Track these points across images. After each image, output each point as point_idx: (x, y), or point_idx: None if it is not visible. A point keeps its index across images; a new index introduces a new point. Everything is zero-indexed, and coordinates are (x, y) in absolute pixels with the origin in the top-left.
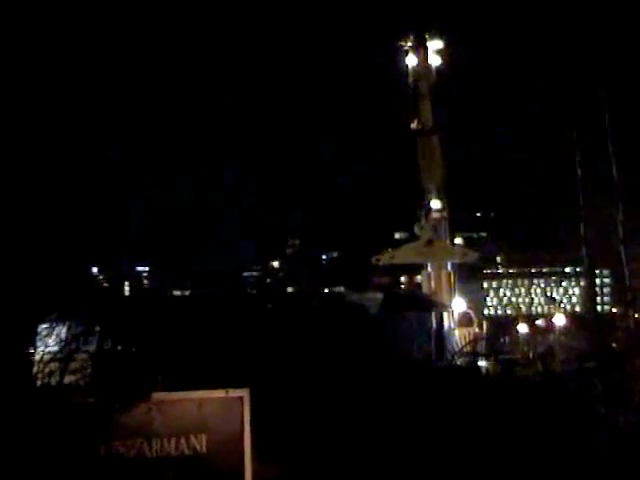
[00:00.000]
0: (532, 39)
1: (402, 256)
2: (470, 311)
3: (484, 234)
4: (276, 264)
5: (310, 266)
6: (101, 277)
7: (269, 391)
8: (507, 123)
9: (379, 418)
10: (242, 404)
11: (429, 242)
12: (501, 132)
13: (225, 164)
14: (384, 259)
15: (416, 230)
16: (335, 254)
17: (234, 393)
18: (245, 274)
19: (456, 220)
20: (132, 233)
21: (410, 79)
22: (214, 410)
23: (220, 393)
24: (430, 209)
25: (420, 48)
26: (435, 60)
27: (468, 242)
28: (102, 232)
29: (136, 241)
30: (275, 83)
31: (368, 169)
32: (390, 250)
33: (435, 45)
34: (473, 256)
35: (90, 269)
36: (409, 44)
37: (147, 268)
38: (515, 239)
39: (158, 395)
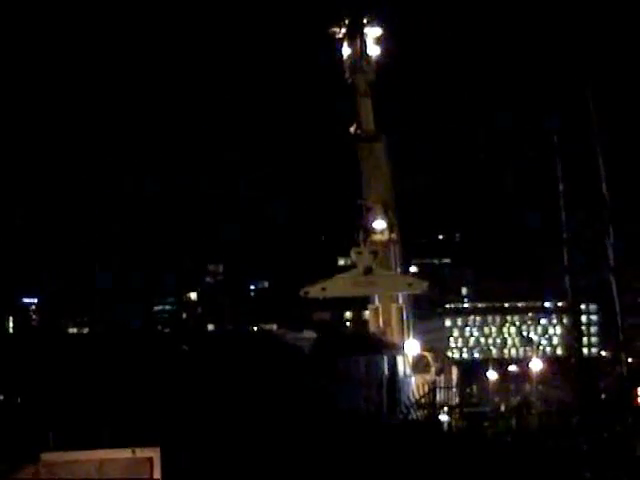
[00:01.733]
0: (495, 23)
1: (335, 288)
2: (427, 354)
3: (447, 260)
4: (194, 296)
5: (235, 298)
6: None
7: (184, 451)
8: (473, 126)
9: None
10: (152, 466)
11: (368, 270)
12: (466, 138)
13: (135, 176)
14: (314, 291)
15: (352, 256)
16: (266, 284)
17: (142, 453)
18: (156, 308)
19: (412, 244)
20: (18, 257)
21: (345, 74)
22: (118, 473)
23: (125, 453)
24: (370, 231)
25: (356, 36)
26: (374, 50)
27: (427, 270)
28: None
29: (23, 267)
30: (203, 92)
31: (305, 181)
32: (322, 281)
33: (374, 32)
34: (420, 286)
35: None
36: (343, 31)
37: (36, 300)
38: (485, 267)
39: (49, 455)
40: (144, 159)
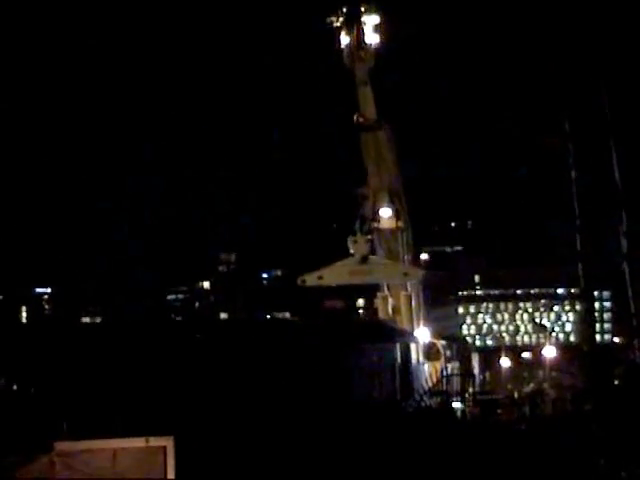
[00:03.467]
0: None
1: (332, 276)
2: (437, 342)
3: (459, 248)
4: (207, 285)
5: (248, 287)
6: None
7: (197, 440)
8: (485, 113)
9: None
10: (165, 454)
11: (364, 259)
12: (478, 125)
13: (145, 166)
14: (310, 280)
15: (349, 245)
16: (279, 272)
17: (156, 442)
18: (169, 297)
19: (423, 232)
20: (31, 248)
21: (345, 63)
22: (132, 462)
23: (139, 442)
24: (367, 219)
25: (353, 25)
26: (373, 38)
27: (439, 258)
28: None
29: (35, 257)
30: (204, 86)
31: (318, 169)
32: (319, 269)
33: (372, 20)
34: (416, 274)
35: None
36: (341, 20)
37: (49, 290)
38: (497, 254)
39: (63, 445)
40: (158, 150)
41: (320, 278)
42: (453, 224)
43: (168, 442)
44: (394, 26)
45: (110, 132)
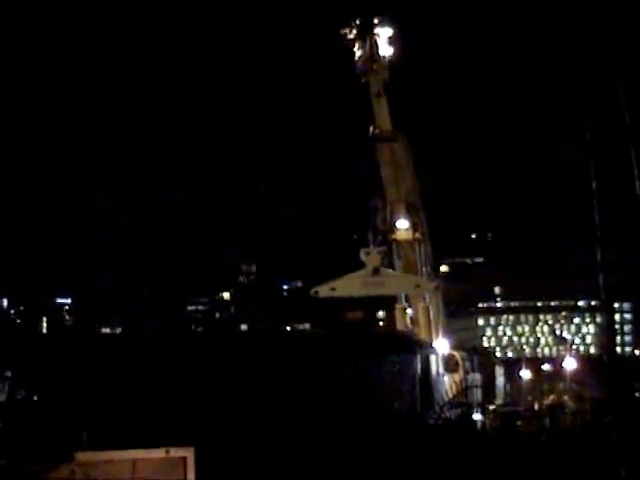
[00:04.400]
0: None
1: (345, 288)
2: (456, 354)
3: (480, 260)
4: (227, 296)
5: (268, 298)
6: (13, 311)
7: (217, 450)
8: (505, 123)
9: None
10: (185, 465)
11: (376, 271)
12: (498, 135)
13: (164, 180)
14: (323, 291)
15: (362, 256)
16: (299, 283)
17: (176, 452)
18: (190, 307)
19: (444, 243)
20: (52, 258)
21: (360, 75)
22: (151, 473)
23: (159, 452)
24: (379, 230)
25: (366, 37)
26: (387, 50)
27: (459, 269)
28: (14, 257)
29: (56, 268)
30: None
31: (338, 180)
32: (332, 281)
33: (385, 32)
34: (428, 287)
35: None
36: (354, 32)
37: (69, 300)
38: (517, 266)
39: (83, 455)
40: (180, 162)
41: (333, 289)
42: (473, 236)
43: (188, 453)
44: (409, 38)
45: (134, 144)
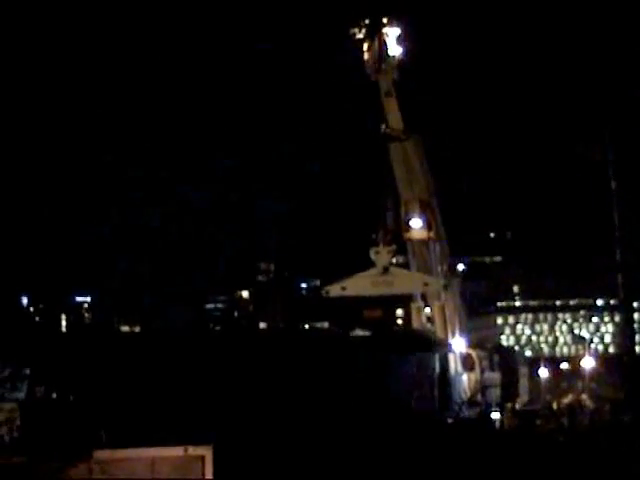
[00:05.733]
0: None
1: (355, 287)
2: (472, 352)
3: (498, 258)
4: (245, 294)
5: (287, 297)
6: (33, 309)
7: (235, 450)
8: (525, 121)
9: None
10: (204, 464)
11: (385, 270)
12: (517, 133)
13: (185, 178)
14: (334, 291)
15: (371, 255)
16: (317, 282)
17: (194, 451)
18: (208, 306)
19: (462, 242)
20: (72, 256)
21: (369, 74)
22: (170, 471)
23: (177, 451)
24: (389, 229)
25: (374, 37)
26: (396, 50)
27: (478, 268)
28: (34, 255)
29: (76, 266)
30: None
31: (355, 179)
32: (342, 280)
33: (394, 32)
34: (437, 285)
35: (19, 299)
36: (363, 31)
37: (89, 299)
38: (536, 265)
39: (101, 453)
40: (198, 161)
41: (343, 289)
42: (492, 234)
43: (207, 451)
44: (419, 36)
45: (156, 143)
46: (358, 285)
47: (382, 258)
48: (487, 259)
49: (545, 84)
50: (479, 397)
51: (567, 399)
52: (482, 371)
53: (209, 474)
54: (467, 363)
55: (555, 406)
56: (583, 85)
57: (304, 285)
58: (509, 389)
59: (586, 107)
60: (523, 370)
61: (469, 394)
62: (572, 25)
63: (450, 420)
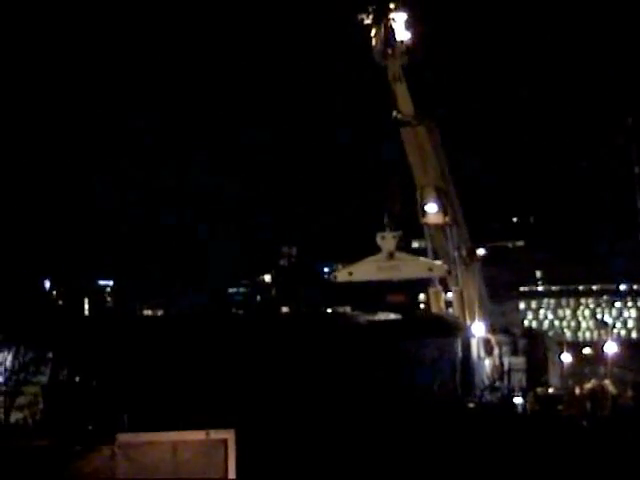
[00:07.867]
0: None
1: (361, 272)
2: (491, 337)
3: (521, 243)
4: (268, 278)
5: (309, 281)
6: (55, 292)
7: (258, 433)
8: (549, 109)
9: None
10: (226, 448)
11: (391, 255)
12: (539, 120)
13: (203, 159)
14: (341, 276)
15: (378, 241)
16: (339, 266)
17: (216, 435)
18: (230, 290)
19: (483, 227)
20: (94, 240)
21: (377, 60)
22: (192, 455)
23: (199, 435)
24: (395, 214)
25: (383, 22)
26: (404, 35)
27: (500, 253)
28: (57, 239)
29: (98, 249)
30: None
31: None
32: (349, 265)
33: (401, 17)
34: (441, 270)
35: (42, 283)
36: (370, 17)
37: (111, 282)
38: (558, 249)
39: (124, 437)
40: (220, 147)
41: (350, 274)
42: (515, 219)
43: (229, 435)
44: (434, 22)
45: (176, 130)
46: (364, 270)
47: (388, 243)
48: (510, 244)
49: (568, 68)
50: (498, 382)
51: (590, 384)
52: (500, 356)
53: (232, 458)
54: (487, 348)
55: (577, 391)
56: (607, 69)
57: (326, 269)
58: (535, 374)
59: (610, 92)
60: (553, 355)
61: (491, 379)
62: (596, 9)
63: (472, 405)
